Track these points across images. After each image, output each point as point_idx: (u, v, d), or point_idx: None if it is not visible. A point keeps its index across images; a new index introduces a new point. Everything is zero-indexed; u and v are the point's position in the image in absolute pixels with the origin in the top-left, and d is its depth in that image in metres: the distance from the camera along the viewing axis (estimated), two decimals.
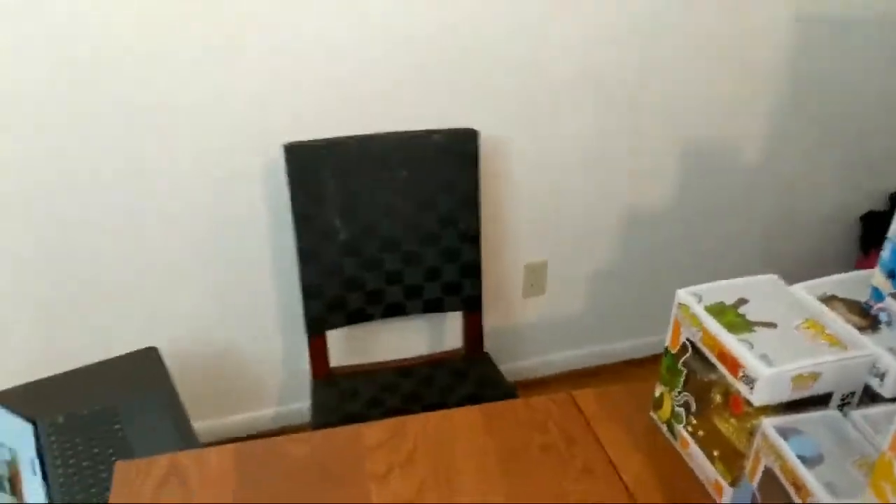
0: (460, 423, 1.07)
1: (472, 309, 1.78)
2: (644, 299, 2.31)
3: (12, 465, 1.09)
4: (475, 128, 1.64)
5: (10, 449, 1.11)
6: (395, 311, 1.74)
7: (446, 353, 1.87)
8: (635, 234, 2.17)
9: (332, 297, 1.66)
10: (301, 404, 2.10)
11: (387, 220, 1.65)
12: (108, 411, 1.32)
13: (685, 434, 1.00)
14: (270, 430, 2.11)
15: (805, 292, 0.97)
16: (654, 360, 0.97)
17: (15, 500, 1.03)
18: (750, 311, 0.93)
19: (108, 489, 1.14)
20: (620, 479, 0.98)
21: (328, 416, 1.62)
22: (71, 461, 1.22)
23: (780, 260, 2.39)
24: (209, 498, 0.94)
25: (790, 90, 2.08)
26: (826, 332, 0.88)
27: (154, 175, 1.65)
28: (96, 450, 1.24)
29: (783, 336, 0.88)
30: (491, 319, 2.14)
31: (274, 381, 2.05)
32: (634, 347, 2.40)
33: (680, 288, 0.98)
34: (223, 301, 1.86)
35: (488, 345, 1.86)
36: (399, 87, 1.72)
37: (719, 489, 0.93)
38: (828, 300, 0.96)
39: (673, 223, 2.20)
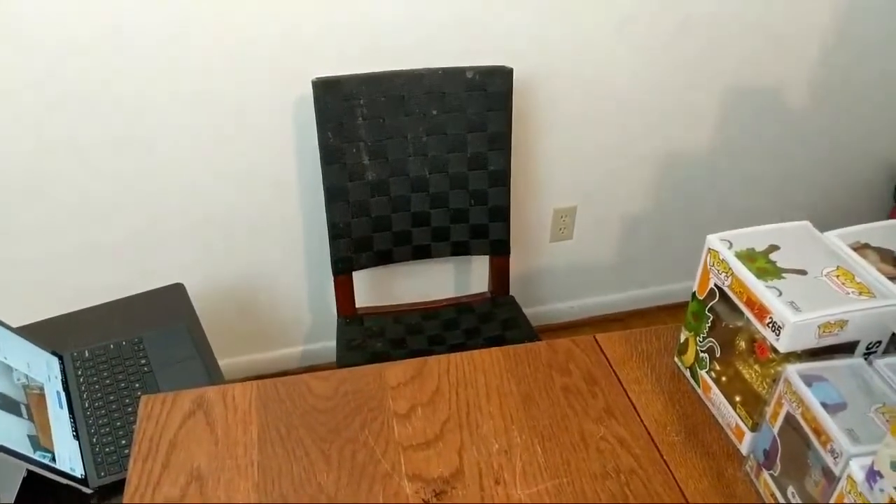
0: (483, 364, 1.08)
1: (499, 253, 1.77)
2: (673, 246, 2.28)
3: (32, 393, 1.12)
4: (510, 65, 1.61)
5: (28, 376, 1.14)
6: (421, 253, 1.74)
7: (471, 296, 1.87)
8: (668, 180, 2.14)
9: (358, 237, 1.66)
10: (326, 344, 2.13)
11: (415, 160, 1.64)
12: (133, 346, 1.34)
13: (708, 379, 0.99)
14: (296, 368, 2.14)
15: (837, 240, 0.95)
16: (682, 307, 0.96)
17: (36, 428, 1.06)
18: (780, 258, 0.91)
19: (133, 421, 1.17)
20: (641, 421, 0.99)
21: (354, 354, 1.63)
22: (97, 394, 1.24)
23: (814, 208, 2.34)
24: (233, 432, 0.96)
25: (834, 37, 2.00)
26: (856, 279, 0.87)
27: (184, 114, 1.65)
28: (122, 383, 1.26)
29: (812, 283, 0.86)
30: (517, 263, 2.13)
31: (300, 320, 2.08)
32: (662, 294, 2.39)
33: (710, 234, 0.97)
34: (250, 240, 1.88)
35: (514, 289, 1.85)
36: (434, 22, 1.68)
37: (740, 434, 0.93)
38: (860, 248, 0.94)
39: (706, 170, 2.15)
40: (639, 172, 2.10)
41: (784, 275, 0.88)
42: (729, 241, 0.95)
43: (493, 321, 1.74)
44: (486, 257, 1.83)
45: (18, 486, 1.01)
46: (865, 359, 0.84)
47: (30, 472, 1.02)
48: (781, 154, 2.20)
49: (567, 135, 1.96)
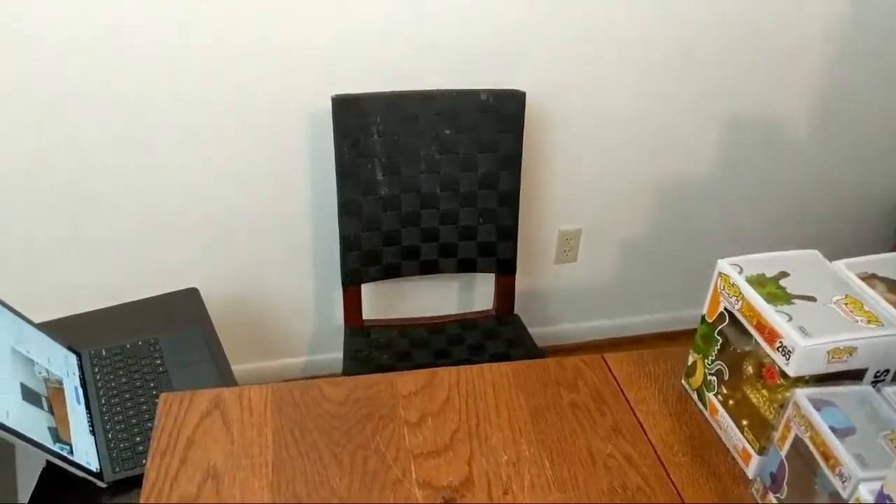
0: (492, 378, 1.09)
1: (505, 271, 1.80)
2: (677, 273, 2.31)
3: (51, 387, 1.13)
4: (522, 89, 1.64)
5: (49, 371, 1.15)
6: (429, 268, 1.76)
7: (477, 313, 1.89)
8: (673, 207, 2.17)
9: (369, 250, 1.69)
10: (331, 355, 2.14)
11: (427, 177, 1.67)
12: (149, 346, 1.36)
13: (715, 402, 1.01)
14: (301, 377, 2.15)
15: (846, 269, 0.97)
16: (685, 334, 0.97)
17: (55, 421, 1.08)
18: (790, 284, 0.93)
19: (148, 419, 1.19)
20: (648, 440, 1.00)
21: (360, 365, 1.65)
22: (113, 391, 1.26)
23: (816, 238, 2.36)
24: (249, 433, 0.97)
25: (838, 68, 2.04)
26: (864, 308, 0.89)
27: (200, 122, 1.67)
28: (138, 382, 1.28)
29: (822, 310, 0.89)
30: (522, 283, 2.15)
31: (307, 330, 2.09)
32: (665, 321, 2.40)
33: (715, 263, 0.99)
34: (257, 249, 1.90)
35: (518, 308, 1.87)
36: (449, 45, 1.72)
37: (746, 457, 0.95)
38: (868, 278, 0.96)
39: (710, 198, 2.18)
40: (643, 197, 2.13)
41: (794, 301, 0.90)
42: (739, 266, 0.97)
43: (497, 338, 1.76)
44: (492, 276, 1.85)
45: (37, 478, 1.03)
46: (874, 387, 0.86)
47: (46, 465, 1.03)
48: (784, 181, 2.23)
49: (574, 158, 1.99)
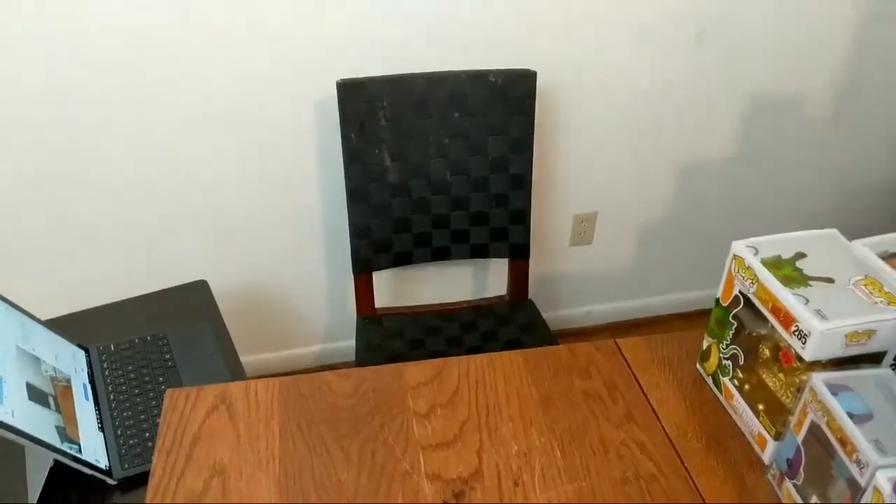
0: (502, 367, 1.08)
1: (519, 256, 1.77)
2: (694, 255, 2.27)
3: (59, 385, 1.13)
4: (533, 69, 1.61)
5: (56, 368, 1.15)
6: (441, 254, 1.74)
7: (490, 299, 1.87)
8: (689, 188, 2.13)
9: (379, 237, 1.67)
10: (344, 343, 2.14)
11: (437, 162, 1.64)
12: (158, 340, 1.35)
13: (730, 386, 0.99)
14: (313, 367, 2.15)
15: (865, 249, 0.94)
16: (701, 315, 0.96)
17: (63, 420, 1.07)
18: (807, 266, 0.91)
19: (157, 415, 1.18)
20: (662, 427, 0.98)
21: (372, 353, 1.64)
22: (122, 387, 1.26)
23: (837, 218, 2.32)
24: (255, 427, 0.96)
25: (854, 46, 1.99)
26: (884, 289, 0.86)
27: (208, 113, 1.66)
28: (146, 378, 1.28)
29: (840, 292, 0.86)
30: (536, 267, 2.13)
31: (319, 319, 2.09)
32: (681, 302, 2.38)
33: (731, 244, 0.97)
34: (269, 239, 1.89)
35: (532, 292, 1.85)
36: (458, 25, 1.69)
37: (762, 442, 0.93)
38: (888, 258, 0.93)
39: (727, 178, 2.14)
40: (659, 180, 2.09)
41: (811, 283, 0.88)
42: (755, 248, 0.94)
43: (511, 324, 1.74)
44: (505, 261, 1.83)
45: (45, 476, 1.03)
46: (893, 369, 0.83)
47: (54, 463, 1.03)
48: (801, 163, 2.18)
49: (588, 141, 1.96)
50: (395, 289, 2.05)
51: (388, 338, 1.70)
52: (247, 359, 2.03)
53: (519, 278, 1.81)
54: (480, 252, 1.75)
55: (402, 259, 1.72)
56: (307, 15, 1.60)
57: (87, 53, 1.53)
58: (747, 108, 2.02)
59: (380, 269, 1.71)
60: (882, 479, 0.70)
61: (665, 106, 1.95)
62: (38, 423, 1.00)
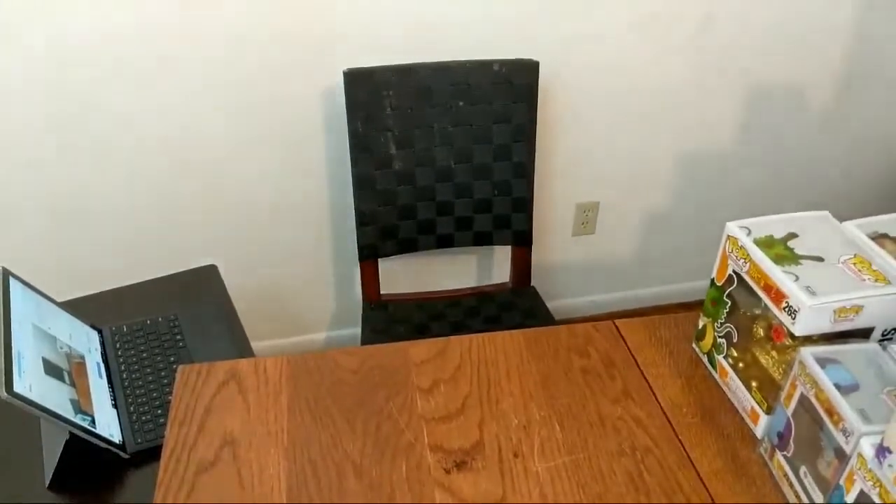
0: (504, 345, 1.11)
1: (521, 243, 1.80)
2: (694, 243, 2.30)
3: (74, 362, 1.16)
4: (536, 59, 1.64)
5: (70, 346, 1.18)
6: (445, 242, 1.77)
7: (493, 286, 1.91)
8: (691, 178, 2.15)
9: (384, 224, 1.70)
10: (351, 331, 2.17)
11: (441, 150, 1.67)
12: (169, 322, 1.39)
13: (725, 364, 1.02)
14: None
15: (856, 229, 0.97)
16: (702, 305, 0.98)
17: (77, 393, 1.11)
18: (798, 245, 0.93)
19: (168, 393, 1.22)
20: (658, 402, 1.01)
21: (379, 339, 1.67)
22: (134, 366, 1.29)
23: (835, 206, 2.31)
24: (265, 401, 1.00)
25: (855, 35, 2.01)
26: (872, 267, 0.89)
27: (216, 102, 1.69)
28: (158, 357, 1.31)
29: (829, 270, 0.89)
30: (539, 257, 2.15)
31: (327, 306, 2.12)
32: (683, 291, 2.40)
33: (729, 222, 0.99)
34: (276, 226, 1.92)
35: (535, 281, 1.88)
36: (462, 16, 1.71)
37: (755, 417, 0.96)
38: (878, 238, 0.96)
39: (729, 169, 2.17)
40: (661, 169, 2.12)
41: (801, 261, 0.90)
42: (748, 228, 0.97)
43: (514, 310, 1.77)
44: (508, 248, 1.86)
45: (61, 450, 1.06)
46: (881, 345, 0.86)
47: (69, 442, 1.07)
48: (802, 152, 2.20)
49: (591, 130, 1.98)
50: (401, 276, 2.08)
51: (393, 323, 1.73)
52: (254, 345, 2.06)
53: (521, 265, 1.84)
54: (484, 239, 1.78)
55: (407, 246, 1.75)
56: (314, 4, 1.62)
57: (97, 44, 1.56)
58: (748, 98, 2.04)
59: (385, 255, 1.74)
60: (865, 445, 0.72)
61: (667, 96, 1.98)
62: (54, 396, 1.04)
